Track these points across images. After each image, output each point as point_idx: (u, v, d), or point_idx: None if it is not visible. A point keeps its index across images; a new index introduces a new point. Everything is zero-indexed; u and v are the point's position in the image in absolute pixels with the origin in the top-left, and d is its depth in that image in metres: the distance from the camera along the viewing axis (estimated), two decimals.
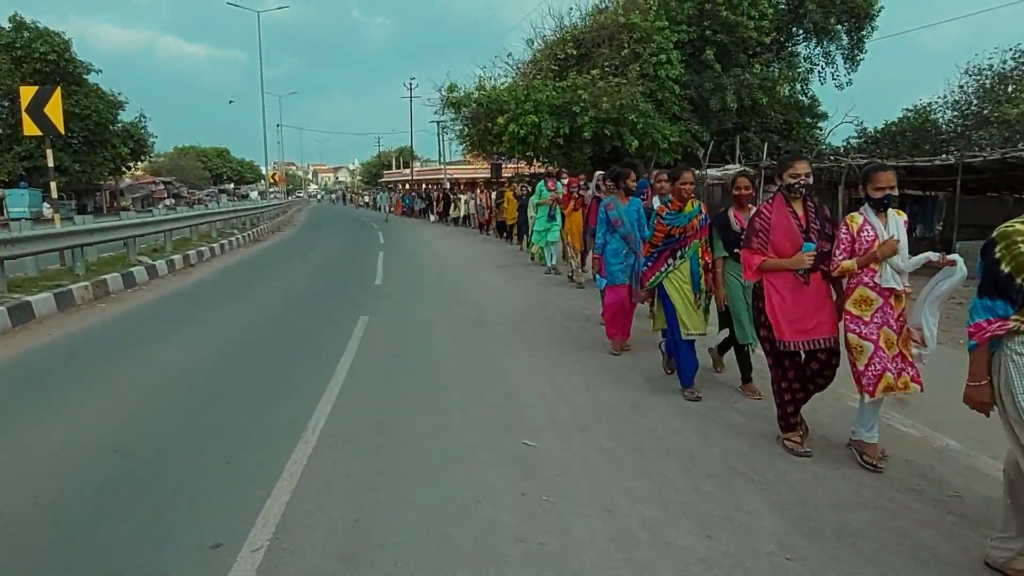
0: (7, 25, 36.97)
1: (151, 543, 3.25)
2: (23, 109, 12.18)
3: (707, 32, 22.32)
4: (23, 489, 3.87)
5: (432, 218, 36.22)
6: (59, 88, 12.76)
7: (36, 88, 12.64)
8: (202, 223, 20.16)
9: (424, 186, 48.70)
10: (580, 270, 11.48)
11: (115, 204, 45.30)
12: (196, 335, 8.00)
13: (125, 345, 7.47)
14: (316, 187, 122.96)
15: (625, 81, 20.53)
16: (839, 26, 24.44)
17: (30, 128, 12.31)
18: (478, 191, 27.22)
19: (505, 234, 20.93)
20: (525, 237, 16.39)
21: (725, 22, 21.87)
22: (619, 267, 6.67)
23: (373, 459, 4.21)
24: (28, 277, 10.80)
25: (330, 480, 3.90)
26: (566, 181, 12.65)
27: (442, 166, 51.42)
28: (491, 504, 3.59)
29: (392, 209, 43.10)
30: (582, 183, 12.01)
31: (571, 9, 35.78)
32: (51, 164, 13.04)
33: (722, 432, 4.64)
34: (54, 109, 12.12)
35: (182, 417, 5.08)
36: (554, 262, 13.23)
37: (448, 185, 41.29)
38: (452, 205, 31.49)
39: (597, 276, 6.91)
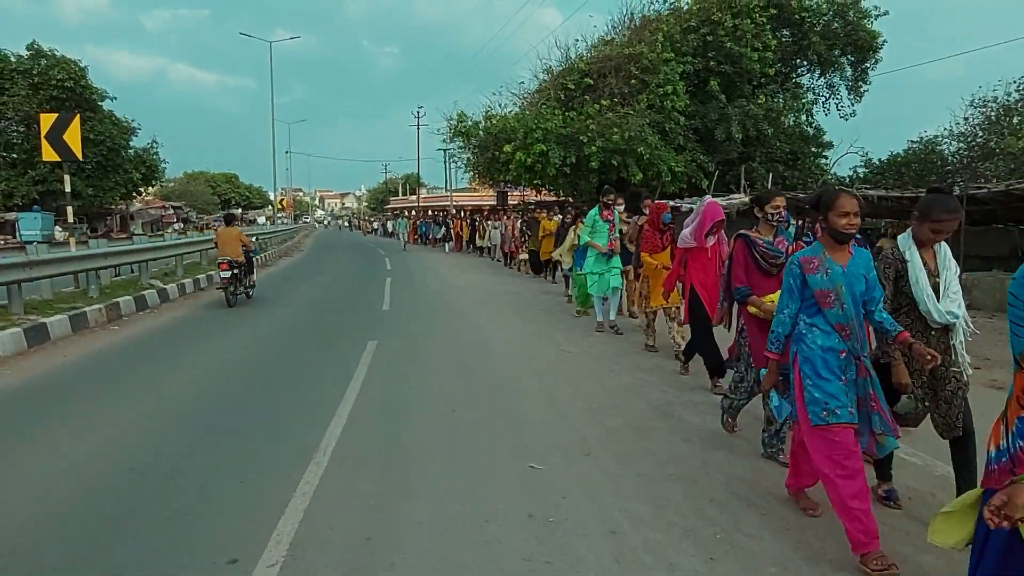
0: (25, 53, 37.84)
1: (168, 557, 3.34)
2: (42, 135, 12.49)
3: (712, 63, 22.68)
4: (40, 505, 3.98)
5: (447, 247, 32.69)
6: (78, 116, 13.07)
7: (56, 115, 12.95)
8: (212, 248, 20.39)
9: (442, 212, 44.83)
10: (677, 338, 7.64)
11: (122, 228, 45.78)
12: (208, 358, 8.13)
13: (138, 367, 7.60)
14: (323, 212, 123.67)
15: (633, 112, 20.85)
16: (843, 58, 24.78)
17: (48, 154, 12.61)
18: (504, 218, 23.87)
19: (544, 272, 16.39)
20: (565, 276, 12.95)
21: (729, 53, 22.23)
22: (833, 385, 3.38)
23: (382, 480, 4.30)
24: (43, 299, 11.00)
25: (341, 499, 3.99)
26: (621, 208, 9.98)
27: (448, 193, 52.12)
28: (497, 524, 3.67)
29: (405, 235, 36.93)
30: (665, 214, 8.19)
31: (576, 40, 36.42)
32: (68, 189, 13.30)
33: (725, 458, 4.72)
34: (73, 136, 12.41)
35: (196, 438, 5.19)
36: (613, 316, 9.73)
37: (454, 211, 41.57)
38: (476, 233, 27.87)
39: (774, 396, 3.95)
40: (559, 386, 6.66)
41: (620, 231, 9.70)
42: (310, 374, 7.12)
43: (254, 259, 13.55)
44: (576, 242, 10.50)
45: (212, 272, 16.66)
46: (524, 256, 18.82)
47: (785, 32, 24.22)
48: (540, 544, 3.46)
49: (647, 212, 8.70)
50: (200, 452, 4.85)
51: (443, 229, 35.68)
